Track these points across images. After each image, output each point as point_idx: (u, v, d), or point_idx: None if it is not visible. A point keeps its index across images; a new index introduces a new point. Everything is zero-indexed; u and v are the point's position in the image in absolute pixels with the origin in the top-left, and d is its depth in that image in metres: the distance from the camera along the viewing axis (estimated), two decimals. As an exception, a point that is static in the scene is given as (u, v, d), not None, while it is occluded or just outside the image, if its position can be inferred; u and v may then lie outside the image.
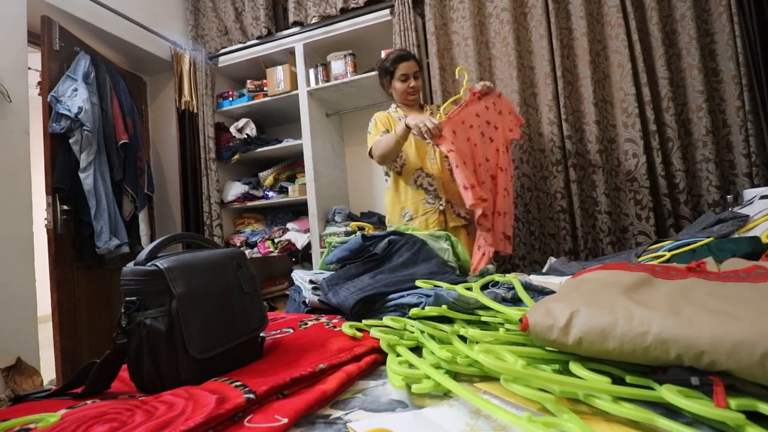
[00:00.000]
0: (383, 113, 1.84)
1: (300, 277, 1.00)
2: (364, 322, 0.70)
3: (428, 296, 0.71)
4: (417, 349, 0.58)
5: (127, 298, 0.53)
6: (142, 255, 0.56)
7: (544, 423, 0.34)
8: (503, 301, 0.75)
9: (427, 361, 0.51)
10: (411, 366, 0.51)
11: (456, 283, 0.78)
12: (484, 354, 0.43)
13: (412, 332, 0.62)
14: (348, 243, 1.01)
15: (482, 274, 1.03)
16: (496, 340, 0.53)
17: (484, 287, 0.85)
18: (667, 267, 0.65)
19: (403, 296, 0.76)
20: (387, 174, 1.81)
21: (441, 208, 1.70)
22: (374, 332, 0.62)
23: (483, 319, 0.65)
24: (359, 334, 0.65)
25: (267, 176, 2.86)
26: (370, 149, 1.74)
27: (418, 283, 0.81)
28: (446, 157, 1.53)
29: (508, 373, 0.40)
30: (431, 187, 1.71)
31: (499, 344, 0.51)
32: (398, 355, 0.55)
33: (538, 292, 0.80)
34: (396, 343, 0.58)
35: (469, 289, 0.73)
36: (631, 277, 0.55)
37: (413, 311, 0.65)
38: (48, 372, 1.96)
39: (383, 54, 2.46)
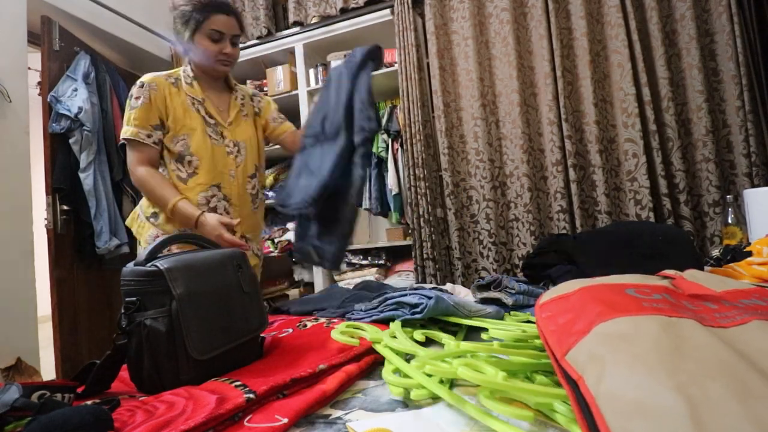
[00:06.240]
0: (161, 80, 1.17)
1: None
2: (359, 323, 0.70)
3: (429, 298, 0.71)
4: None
5: (127, 299, 0.53)
6: (142, 255, 0.56)
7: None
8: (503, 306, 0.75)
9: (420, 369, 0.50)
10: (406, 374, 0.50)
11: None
12: (464, 367, 0.42)
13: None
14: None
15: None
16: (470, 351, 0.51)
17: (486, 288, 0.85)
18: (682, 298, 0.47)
19: (404, 295, 0.75)
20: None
21: None
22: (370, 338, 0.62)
23: (483, 324, 0.65)
24: (353, 341, 0.63)
25: (267, 176, 2.86)
26: (128, 153, 1.13)
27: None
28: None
29: (488, 386, 0.40)
30: (227, 214, 1.18)
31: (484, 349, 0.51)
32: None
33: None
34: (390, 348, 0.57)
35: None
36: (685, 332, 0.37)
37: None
38: (48, 372, 1.96)
39: (386, 54, 2.46)
